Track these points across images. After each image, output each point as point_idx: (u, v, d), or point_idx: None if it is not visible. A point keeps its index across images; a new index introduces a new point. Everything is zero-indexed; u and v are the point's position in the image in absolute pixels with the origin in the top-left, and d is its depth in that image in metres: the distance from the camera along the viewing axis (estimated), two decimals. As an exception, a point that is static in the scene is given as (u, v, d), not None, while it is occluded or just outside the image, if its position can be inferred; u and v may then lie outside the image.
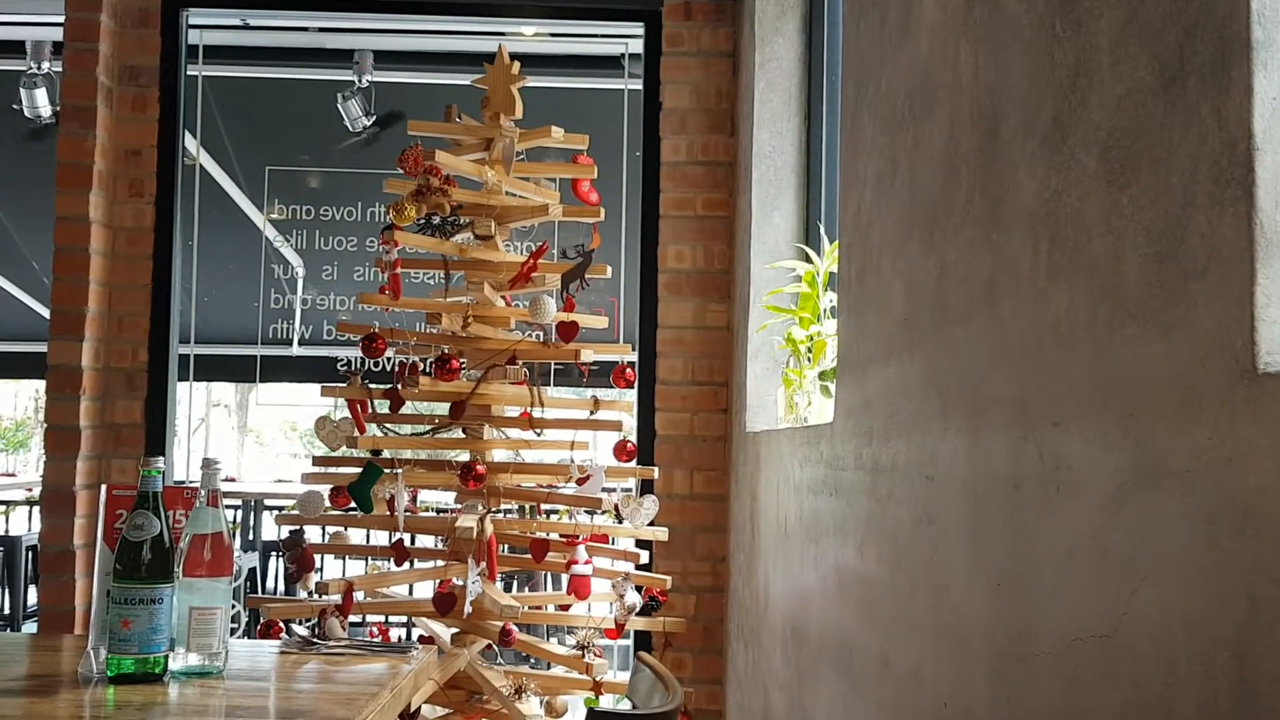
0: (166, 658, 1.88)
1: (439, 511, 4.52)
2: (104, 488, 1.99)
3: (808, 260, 3.09)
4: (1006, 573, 1.30)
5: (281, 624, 2.95)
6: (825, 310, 2.94)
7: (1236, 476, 0.89)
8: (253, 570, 6.16)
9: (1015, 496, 1.30)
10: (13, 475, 11.97)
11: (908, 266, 1.78)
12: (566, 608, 3.31)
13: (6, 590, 6.16)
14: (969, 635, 1.41)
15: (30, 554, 6.08)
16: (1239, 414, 0.89)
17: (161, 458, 1.97)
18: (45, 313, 4.12)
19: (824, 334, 2.88)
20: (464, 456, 3.16)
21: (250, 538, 6.60)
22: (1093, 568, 1.09)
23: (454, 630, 3.16)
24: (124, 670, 1.84)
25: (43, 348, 3.83)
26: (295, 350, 4.78)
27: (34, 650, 2.20)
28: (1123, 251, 1.11)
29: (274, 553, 6.37)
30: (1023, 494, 1.28)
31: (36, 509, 6.58)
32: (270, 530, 6.99)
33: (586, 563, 3.00)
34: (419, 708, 2.89)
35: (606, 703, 3.12)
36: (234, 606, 1.99)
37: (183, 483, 4.32)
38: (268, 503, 6.76)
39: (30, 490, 7.48)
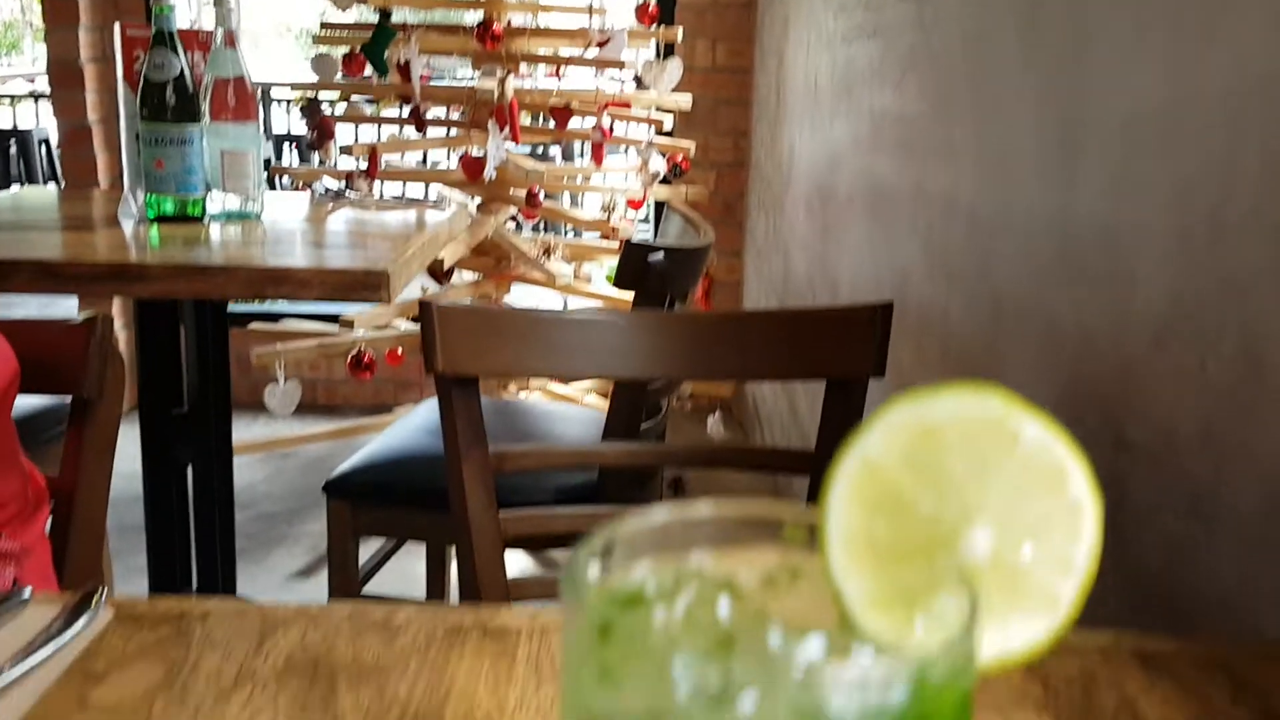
0: (204, 200, 1.90)
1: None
2: (117, 26, 1.91)
3: None
4: (1061, 68, 1.26)
5: (308, 187, 2.97)
6: None
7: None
8: (267, 161, 6.15)
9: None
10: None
11: None
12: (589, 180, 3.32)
13: (25, 185, 6.20)
14: (1015, 150, 1.39)
15: (44, 147, 6.05)
16: None
17: (172, -11, 1.87)
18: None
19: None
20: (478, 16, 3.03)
21: (262, 129, 6.54)
22: (1167, 34, 1.05)
23: (479, 200, 3.18)
24: (164, 212, 1.87)
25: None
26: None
27: (68, 201, 2.22)
28: None
29: (286, 143, 6.34)
30: (1088, -9, 1.21)
31: (44, 102, 6.48)
32: (280, 123, 6.92)
33: (603, 128, 2.97)
34: (451, 267, 2.97)
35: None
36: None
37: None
38: (274, 95, 6.63)
39: (32, 81, 7.31)
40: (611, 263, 3.18)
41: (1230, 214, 0.92)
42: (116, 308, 3.57)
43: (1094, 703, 0.60)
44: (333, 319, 3.21)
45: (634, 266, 1.72)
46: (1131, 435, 1.05)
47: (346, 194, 2.26)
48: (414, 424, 2.07)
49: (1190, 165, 0.98)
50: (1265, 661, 0.65)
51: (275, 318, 3.68)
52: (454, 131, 3.11)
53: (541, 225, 3.81)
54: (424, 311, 1.26)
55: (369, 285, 1.56)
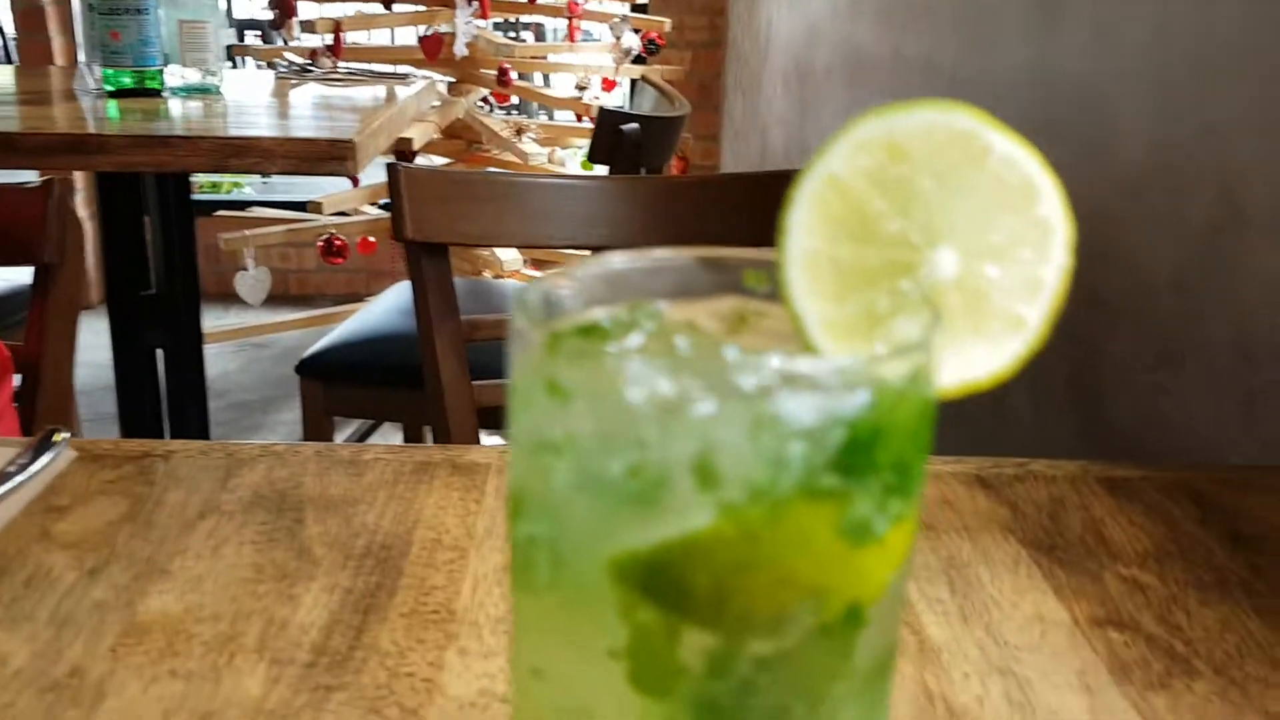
0: (162, 72, 1.84)
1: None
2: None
3: None
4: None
5: (271, 66, 2.88)
6: None
7: None
8: (229, 47, 5.97)
9: None
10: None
11: None
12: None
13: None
14: (996, 7, 1.36)
15: (-2, 35, 5.84)
16: None
17: None
18: None
19: None
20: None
21: (221, 5, 6.33)
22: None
23: (449, 80, 3.11)
24: (122, 85, 1.81)
25: None
26: None
27: (22, 77, 2.15)
28: None
29: (248, 30, 6.15)
30: None
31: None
32: (241, 9, 6.70)
33: (575, 1, 2.89)
34: (416, 151, 2.91)
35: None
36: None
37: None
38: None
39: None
40: (585, 144, 3.13)
41: (1211, 58, 0.90)
42: (80, 198, 3.50)
43: (1061, 525, 0.60)
44: (300, 206, 3.16)
45: (608, 137, 1.69)
46: (1105, 291, 1.05)
47: (310, 68, 2.20)
48: (387, 305, 2.05)
49: (1171, 9, 0.96)
50: (1230, 485, 0.65)
51: (241, 205, 3.62)
52: (421, 8, 3.01)
53: (513, 111, 3.74)
54: (392, 175, 1.23)
55: (336, 156, 1.53)
